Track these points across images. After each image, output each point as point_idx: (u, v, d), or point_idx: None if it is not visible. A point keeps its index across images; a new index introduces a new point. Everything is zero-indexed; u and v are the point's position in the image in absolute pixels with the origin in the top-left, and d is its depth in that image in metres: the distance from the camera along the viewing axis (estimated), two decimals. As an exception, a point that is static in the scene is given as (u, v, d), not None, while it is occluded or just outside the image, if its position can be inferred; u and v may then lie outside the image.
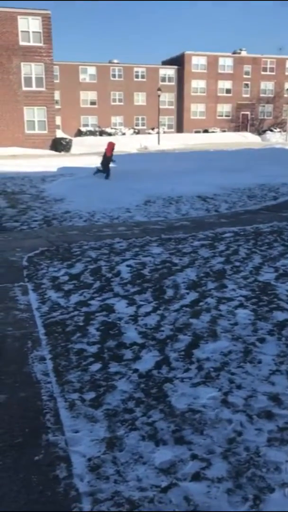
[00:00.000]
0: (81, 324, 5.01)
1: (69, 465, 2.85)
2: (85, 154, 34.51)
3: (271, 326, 4.84)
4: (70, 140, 39.95)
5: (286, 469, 2.78)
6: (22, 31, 36.49)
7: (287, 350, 4.31)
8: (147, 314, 5.27)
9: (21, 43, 36.57)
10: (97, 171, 19.16)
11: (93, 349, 4.43)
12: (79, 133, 50.86)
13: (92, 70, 53.73)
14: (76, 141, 42.12)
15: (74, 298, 5.81)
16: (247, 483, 2.68)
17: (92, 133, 50.80)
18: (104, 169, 19.01)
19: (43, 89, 38.00)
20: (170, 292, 5.97)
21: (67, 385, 3.78)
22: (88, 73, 53.72)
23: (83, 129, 52.06)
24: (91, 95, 53.96)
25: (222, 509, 2.48)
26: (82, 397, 3.60)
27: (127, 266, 7.13)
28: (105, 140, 45.17)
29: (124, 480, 2.72)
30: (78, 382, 3.83)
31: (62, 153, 37.31)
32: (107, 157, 19.09)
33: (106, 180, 18.49)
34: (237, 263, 7.19)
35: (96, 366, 4.09)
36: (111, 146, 19.13)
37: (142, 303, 5.62)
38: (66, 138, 39.78)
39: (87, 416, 3.36)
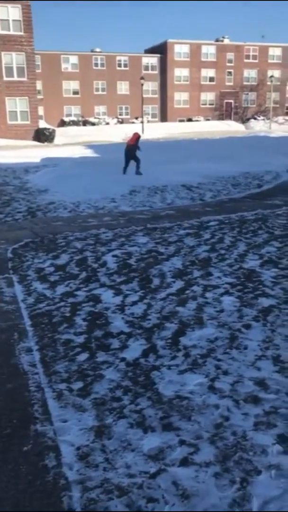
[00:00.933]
0: (67, 314, 5.00)
1: (58, 454, 2.86)
2: (69, 144, 34.22)
3: (256, 312, 4.89)
4: (53, 131, 39.56)
5: (272, 451, 2.83)
6: (1, 20, 35.86)
7: (272, 336, 4.36)
8: (134, 303, 5.28)
9: (1, 31, 35.95)
10: (124, 171, 16.90)
11: (80, 339, 4.43)
12: (62, 123, 50.33)
13: (74, 59, 53.10)
14: (60, 132, 41.70)
15: (60, 289, 5.80)
16: (235, 467, 2.72)
17: (75, 123, 50.31)
18: (129, 163, 16.78)
19: (24, 79, 37.49)
20: (156, 281, 5.98)
21: (55, 375, 3.78)
22: (70, 63, 53.06)
23: (66, 119, 51.53)
24: (74, 84, 53.38)
25: (210, 493, 2.52)
26: (70, 387, 3.60)
27: (113, 256, 7.13)
28: (89, 130, 44.86)
29: (113, 468, 2.74)
30: (65, 372, 3.83)
31: (45, 143, 36.95)
32: (132, 148, 16.56)
33: (138, 175, 16.41)
34: (222, 251, 7.23)
35: (84, 356, 4.10)
36: (136, 136, 16.73)
37: (128, 292, 5.62)
38: (49, 129, 39.38)
39: (75, 406, 3.37)
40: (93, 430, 3.08)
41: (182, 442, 2.94)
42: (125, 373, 3.79)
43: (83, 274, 6.32)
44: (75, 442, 2.96)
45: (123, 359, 4.01)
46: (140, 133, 17.76)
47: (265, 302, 5.17)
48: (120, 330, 4.58)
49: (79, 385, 3.64)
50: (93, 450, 2.89)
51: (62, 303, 5.32)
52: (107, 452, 2.87)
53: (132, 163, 16.78)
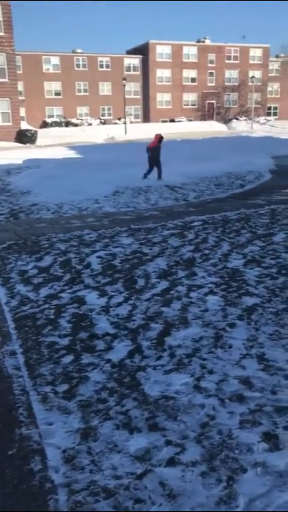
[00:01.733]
0: (52, 317, 4.97)
1: (43, 457, 2.84)
2: (51, 145, 34.02)
3: (240, 311, 4.92)
4: (36, 132, 39.29)
5: (258, 449, 2.85)
6: (-19, 20, 35.47)
7: (257, 334, 4.39)
8: (119, 304, 5.27)
9: (-19, 32, 35.57)
10: (145, 175, 15.73)
11: (65, 341, 4.41)
12: (45, 125, 50.01)
13: (55, 60, 52.78)
14: (42, 133, 41.44)
15: (44, 291, 5.76)
16: (221, 465, 2.73)
17: (57, 124, 50.02)
18: (153, 167, 15.66)
19: (5, 80, 37.15)
20: (141, 282, 5.98)
21: (40, 378, 3.76)
22: (51, 63, 52.73)
23: (48, 120, 51.20)
24: (56, 85, 53.06)
25: (197, 492, 2.52)
26: (55, 390, 3.58)
27: (98, 257, 7.11)
28: (71, 131, 44.66)
29: (99, 470, 2.73)
30: (50, 375, 3.80)
31: (28, 144, 36.67)
32: (156, 150, 15.43)
33: (159, 181, 15.39)
34: (206, 251, 7.26)
35: (69, 358, 4.08)
36: (158, 137, 15.60)
37: (113, 293, 5.61)
38: (31, 130, 39.09)
39: (60, 408, 3.35)
40: (78, 433, 3.07)
41: (168, 442, 2.94)
42: (111, 374, 3.78)
43: (67, 276, 6.29)
44: (61, 445, 2.95)
45: (108, 361, 4.00)
46: (160, 134, 15.97)
47: (249, 301, 5.21)
48: (105, 332, 4.57)
49: (64, 387, 3.62)
50: (79, 453, 2.88)
51: (46, 305, 5.28)
52: (93, 454, 2.86)
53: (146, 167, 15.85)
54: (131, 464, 2.77)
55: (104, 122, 52.40)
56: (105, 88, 55.39)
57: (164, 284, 5.85)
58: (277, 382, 3.58)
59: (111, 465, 2.76)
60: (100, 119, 53.32)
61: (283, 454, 2.80)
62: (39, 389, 3.59)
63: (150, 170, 15.64)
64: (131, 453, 2.86)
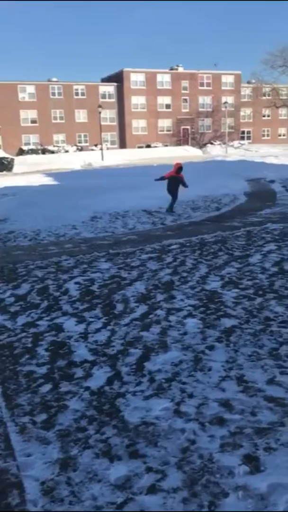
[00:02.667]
0: (29, 345, 4.91)
1: (21, 491, 2.77)
2: (28, 172, 34.07)
3: (219, 333, 4.94)
4: (12, 159, 39.36)
5: (239, 472, 2.83)
6: None
7: (236, 356, 4.41)
8: (97, 330, 5.24)
9: None
10: (171, 207, 14.71)
11: (43, 370, 4.35)
12: (21, 152, 50.18)
13: (31, 88, 53.38)
14: (18, 160, 41.53)
15: (21, 319, 5.69)
16: (202, 490, 2.71)
17: (34, 151, 50.25)
18: (176, 196, 14.63)
19: (-19, 108, 37.29)
20: (120, 307, 5.97)
21: (17, 408, 3.69)
22: (27, 92, 53.29)
23: (25, 147, 51.41)
24: (31, 113, 53.51)
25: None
26: (33, 420, 3.52)
27: (75, 283, 7.08)
28: (48, 158, 44.84)
29: (79, 501, 2.68)
30: (28, 405, 3.74)
31: (4, 172, 36.67)
32: (176, 181, 14.28)
33: (167, 212, 14.33)
34: (185, 274, 7.30)
35: (47, 387, 4.02)
36: (178, 166, 14.46)
37: (91, 319, 5.58)
38: (7, 158, 39.15)
39: (39, 439, 3.28)
40: (58, 463, 3.01)
41: (149, 469, 2.90)
42: (90, 402, 3.74)
43: (45, 303, 6.24)
44: (39, 477, 2.88)
45: (87, 388, 3.96)
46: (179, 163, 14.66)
47: (227, 322, 5.24)
48: (83, 359, 4.53)
49: (42, 417, 3.55)
50: (58, 484, 2.82)
51: (24, 334, 5.22)
52: (72, 485, 2.80)
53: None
54: (112, 493, 2.72)
55: (81, 149, 52.85)
56: (81, 116, 56.08)
57: (143, 308, 5.85)
58: (257, 403, 3.58)
59: (91, 495, 2.71)
60: (77, 146, 53.79)
61: (264, 476, 2.79)
62: (16, 420, 3.52)
63: (173, 202, 14.52)
64: (112, 481, 2.81)
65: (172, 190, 14.21)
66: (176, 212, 14.25)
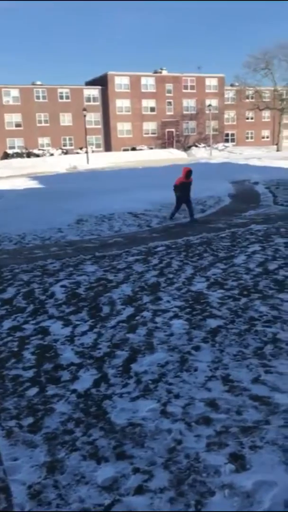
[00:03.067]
0: (15, 349, 4.89)
1: (8, 495, 2.76)
2: (13, 176, 33.86)
3: (205, 334, 4.98)
4: (-3, 163, 39.09)
5: (225, 471, 2.86)
6: None
7: (221, 356, 4.45)
8: (84, 333, 5.24)
9: None
10: (172, 216, 13.57)
11: (29, 373, 4.34)
12: (6, 156, 49.90)
13: (15, 92, 53.11)
14: (3, 164, 41.28)
15: (7, 323, 5.66)
16: (189, 490, 2.73)
17: (19, 155, 49.98)
18: (181, 205, 13.27)
19: None
20: (106, 309, 5.97)
21: (3, 412, 3.67)
22: (11, 96, 53.00)
23: (9, 151, 51.12)
24: (16, 117, 53.22)
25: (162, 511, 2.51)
26: (20, 424, 3.50)
27: (61, 286, 7.06)
28: (33, 161, 44.63)
29: (66, 503, 2.68)
30: (15, 409, 3.72)
31: (-11, 176, 36.37)
32: (186, 186, 12.89)
33: (193, 222, 12.74)
34: (171, 275, 7.34)
35: (33, 391, 4.01)
36: (186, 170, 12.84)
37: (78, 322, 5.58)
38: (-8, 161, 38.87)
39: (25, 442, 3.27)
40: (45, 466, 3.00)
41: (136, 470, 2.91)
42: (76, 405, 3.74)
43: (31, 307, 6.21)
44: (26, 480, 2.88)
45: (74, 391, 3.96)
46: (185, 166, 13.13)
47: (213, 323, 5.28)
48: (70, 362, 4.53)
49: (29, 420, 3.54)
50: (45, 487, 2.81)
51: (9, 338, 5.19)
52: (59, 488, 2.80)
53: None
54: (99, 495, 2.73)
55: (66, 152, 52.69)
56: (65, 119, 55.92)
57: (129, 310, 5.86)
58: (242, 402, 3.62)
59: (78, 498, 2.71)
60: (62, 149, 53.61)
61: (250, 474, 2.82)
62: (3, 424, 3.50)
63: (177, 208, 13.25)
64: (99, 483, 2.82)
65: (182, 196, 12.87)
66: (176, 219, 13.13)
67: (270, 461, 2.92)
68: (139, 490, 2.74)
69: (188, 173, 12.65)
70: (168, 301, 6.12)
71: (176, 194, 12.86)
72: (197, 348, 4.64)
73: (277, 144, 55.76)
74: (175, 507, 2.60)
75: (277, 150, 53.06)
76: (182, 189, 12.74)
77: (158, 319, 5.50)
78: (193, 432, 3.27)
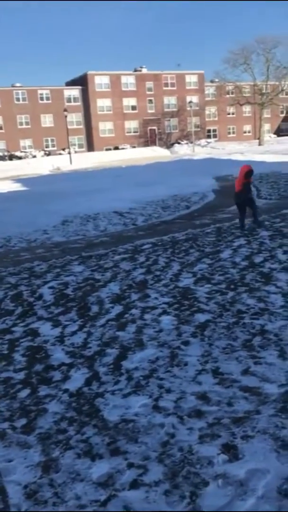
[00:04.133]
0: (5, 352, 4.88)
1: (5, 496, 2.78)
2: (-4, 179, 33.60)
3: (193, 329, 5.02)
4: (-21, 167, 38.74)
5: (218, 461, 2.90)
6: None
7: (210, 349, 4.49)
8: (73, 333, 5.25)
9: None
10: (242, 224, 10.26)
11: (20, 375, 4.34)
12: (-12, 159, 49.55)
13: (-5, 94, 52.78)
14: (-15, 167, 40.89)
15: (-4, 326, 5.65)
16: (183, 482, 2.77)
17: (1, 158, 49.62)
18: (245, 210, 10.24)
19: None
20: (95, 308, 5.99)
21: (-4, 415, 3.67)
22: (-9, 98, 52.67)
23: (-9, 154, 50.79)
24: (-4, 119, 52.92)
25: (161, 511, 2.54)
26: (13, 425, 3.51)
27: (49, 288, 7.06)
28: (15, 164, 44.32)
29: (62, 501, 2.70)
30: (7, 411, 3.73)
31: (-28, 180, 36.04)
32: (245, 188, 9.94)
33: (260, 228, 10.03)
34: (158, 272, 7.37)
35: (25, 392, 4.01)
36: (245, 170, 9.81)
37: (67, 323, 5.59)
38: (-26, 165, 38.51)
39: (19, 444, 3.28)
40: (40, 466, 3.02)
41: (130, 465, 2.94)
42: (69, 404, 3.75)
43: (19, 309, 6.20)
44: (22, 481, 2.89)
45: (66, 391, 3.97)
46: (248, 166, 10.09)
47: (201, 317, 5.32)
48: (61, 362, 4.54)
49: (22, 422, 3.55)
50: (41, 486, 2.83)
51: (-1, 341, 5.19)
52: (55, 486, 2.82)
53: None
54: (95, 491, 2.75)
55: (48, 154, 52.44)
56: (47, 120, 55.65)
57: (118, 309, 5.89)
58: (233, 394, 3.67)
59: (74, 495, 2.73)
60: (45, 150, 53.35)
61: (243, 463, 2.87)
62: (-4, 427, 3.51)
63: (243, 215, 10.28)
64: (94, 480, 2.84)
65: (245, 199, 10.04)
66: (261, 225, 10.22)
67: (262, 450, 2.97)
68: (134, 484, 2.77)
69: (248, 172, 9.83)
70: (156, 298, 6.16)
71: (238, 201, 10.14)
72: (186, 343, 4.68)
73: (258, 139, 56.11)
74: (170, 499, 2.63)
75: (259, 144, 53.39)
76: (243, 193, 9.93)
77: (147, 316, 5.53)
78: (186, 425, 3.31)
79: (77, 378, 4.17)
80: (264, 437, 3.09)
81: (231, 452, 2.98)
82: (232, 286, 6.33)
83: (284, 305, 5.47)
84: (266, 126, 63.13)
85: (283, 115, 69.55)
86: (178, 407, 3.56)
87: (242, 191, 9.82)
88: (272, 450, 2.95)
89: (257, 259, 7.57)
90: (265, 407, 3.43)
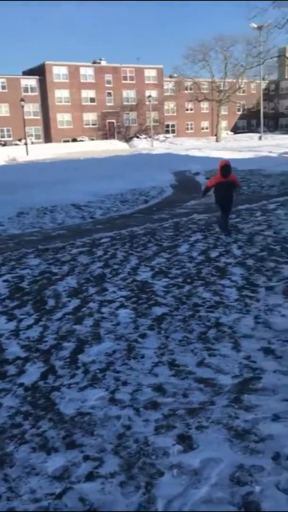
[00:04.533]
0: None
1: None
2: None
3: (150, 322, 5.07)
4: None
5: (173, 452, 2.95)
6: None
7: (167, 342, 4.55)
8: (29, 327, 5.18)
9: None
10: (225, 229, 9.05)
11: (-26, 370, 4.24)
12: None
13: None
14: None
15: None
16: (139, 473, 2.80)
17: None
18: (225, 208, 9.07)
19: None
20: (51, 302, 5.93)
21: None
22: None
23: None
24: None
25: (117, 502, 2.56)
26: None
27: (4, 281, 6.92)
28: None
29: (17, 496, 2.67)
30: None
31: None
32: (226, 186, 8.68)
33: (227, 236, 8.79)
34: (116, 266, 7.37)
35: (-21, 387, 3.93)
36: (222, 164, 8.64)
37: (23, 316, 5.50)
38: None
39: (-28, 439, 3.21)
40: (-7, 461, 2.97)
41: (86, 458, 2.95)
42: (24, 398, 3.71)
43: (-27, 303, 6.05)
44: (-26, 477, 2.83)
45: (21, 385, 3.92)
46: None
47: (158, 310, 5.37)
48: (16, 356, 4.47)
49: (-25, 417, 3.48)
50: (-6, 482, 2.79)
51: None
52: (9, 481, 2.78)
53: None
54: (50, 485, 2.74)
55: (4, 144, 51.24)
56: (2, 109, 54.35)
57: (75, 302, 5.85)
58: (188, 385, 3.73)
59: (29, 489, 2.71)
60: (0, 141, 52.08)
61: (197, 453, 2.93)
62: None
63: (225, 217, 9.12)
64: (49, 473, 2.82)
65: (224, 199, 8.83)
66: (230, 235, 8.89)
67: (216, 439, 3.04)
68: (90, 476, 2.78)
69: (224, 168, 8.51)
70: (114, 292, 6.16)
71: (207, 195, 9.21)
72: (143, 336, 4.72)
73: (216, 135, 56.95)
74: (125, 490, 2.66)
75: (217, 141, 54.23)
76: (220, 190, 8.70)
77: (104, 310, 5.53)
78: (142, 417, 3.34)
79: (33, 372, 4.12)
80: (218, 427, 3.17)
81: (186, 442, 3.04)
82: (188, 280, 6.42)
83: (238, 299, 5.61)
84: (224, 123, 64.18)
85: (240, 112, 70.93)
86: (134, 399, 3.58)
87: (219, 188, 8.64)
88: (225, 440, 3.03)
89: (213, 254, 7.71)
90: (219, 398, 3.51)
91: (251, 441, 3.01)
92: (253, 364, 4.02)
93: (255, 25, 43.81)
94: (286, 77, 71.22)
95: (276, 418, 3.23)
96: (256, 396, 3.52)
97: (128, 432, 3.18)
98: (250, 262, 7.15)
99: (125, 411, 3.42)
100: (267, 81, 68.94)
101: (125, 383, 3.82)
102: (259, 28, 43.24)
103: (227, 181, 8.60)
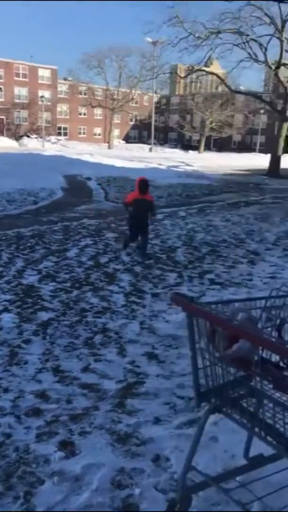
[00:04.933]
0: None
1: None
2: None
3: (36, 327, 4.95)
4: None
5: (55, 459, 2.90)
6: None
7: (52, 348, 4.47)
8: None
9: None
10: (126, 246, 8.54)
11: None
12: None
13: None
14: None
15: None
16: (18, 482, 2.70)
17: None
18: (137, 232, 8.33)
19: None
20: None
21: None
22: None
23: None
24: None
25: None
26: None
27: None
28: None
29: None
30: None
31: None
32: (141, 205, 8.06)
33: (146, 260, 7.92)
34: (0, 268, 7.08)
35: None
36: (140, 182, 8.15)
37: None
38: None
39: None
40: None
41: None
42: None
43: None
44: None
45: None
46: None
47: (44, 315, 5.27)
48: None
49: None
50: None
51: None
52: None
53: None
54: None
55: None
56: None
57: None
58: (72, 391, 3.70)
59: None
60: None
61: (79, 459, 2.92)
62: None
63: (133, 236, 8.40)
64: None
65: (139, 220, 8.17)
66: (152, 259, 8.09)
67: (98, 444, 3.05)
68: None
69: (142, 184, 8.09)
70: (-3, 295, 5.91)
71: (128, 210, 8.30)
72: (27, 341, 4.59)
73: (108, 142, 57.56)
74: (3, 501, 2.55)
75: (109, 148, 54.80)
76: (138, 208, 8.08)
77: (-14, 314, 5.27)
78: (23, 425, 3.24)
79: None
80: (101, 432, 3.19)
81: (68, 448, 3.01)
82: (77, 285, 6.39)
83: (125, 304, 5.71)
84: (116, 131, 65.14)
85: (132, 122, 72.59)
86: (16, 406, 3.46)
87: (137, 205, 8.01)
88: (108, 444, 3.06)
89: (103, 260, 7.77)
90: (103, 403, 3.54)
91: (133, 444, 3.07)
92: (137, 368, 4.11)
93: (150, 40, 45.11)
94: (176, 93, 74.52)
95: (157, 421, 3.34)
96: (139, 400, 3.61)
97: (8, 441, 3.06)
98: (138, 269, 7.33)
99: (5, 419, 3.29)
100: (159, 95, 71.41)
101: (6, 390, 3.67)
102: (154, 43, 44.60)
103: (143, 199, 8.02)
